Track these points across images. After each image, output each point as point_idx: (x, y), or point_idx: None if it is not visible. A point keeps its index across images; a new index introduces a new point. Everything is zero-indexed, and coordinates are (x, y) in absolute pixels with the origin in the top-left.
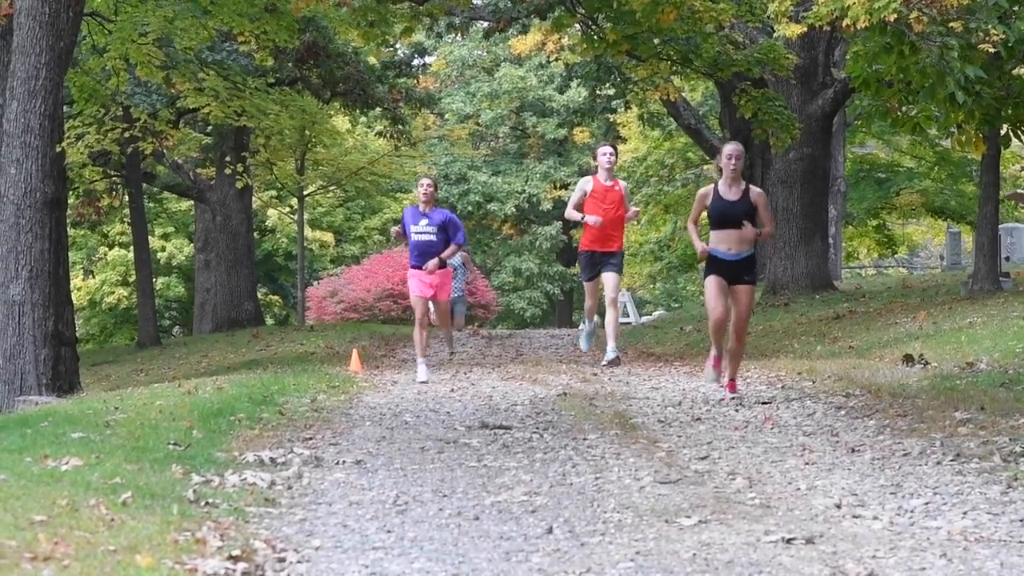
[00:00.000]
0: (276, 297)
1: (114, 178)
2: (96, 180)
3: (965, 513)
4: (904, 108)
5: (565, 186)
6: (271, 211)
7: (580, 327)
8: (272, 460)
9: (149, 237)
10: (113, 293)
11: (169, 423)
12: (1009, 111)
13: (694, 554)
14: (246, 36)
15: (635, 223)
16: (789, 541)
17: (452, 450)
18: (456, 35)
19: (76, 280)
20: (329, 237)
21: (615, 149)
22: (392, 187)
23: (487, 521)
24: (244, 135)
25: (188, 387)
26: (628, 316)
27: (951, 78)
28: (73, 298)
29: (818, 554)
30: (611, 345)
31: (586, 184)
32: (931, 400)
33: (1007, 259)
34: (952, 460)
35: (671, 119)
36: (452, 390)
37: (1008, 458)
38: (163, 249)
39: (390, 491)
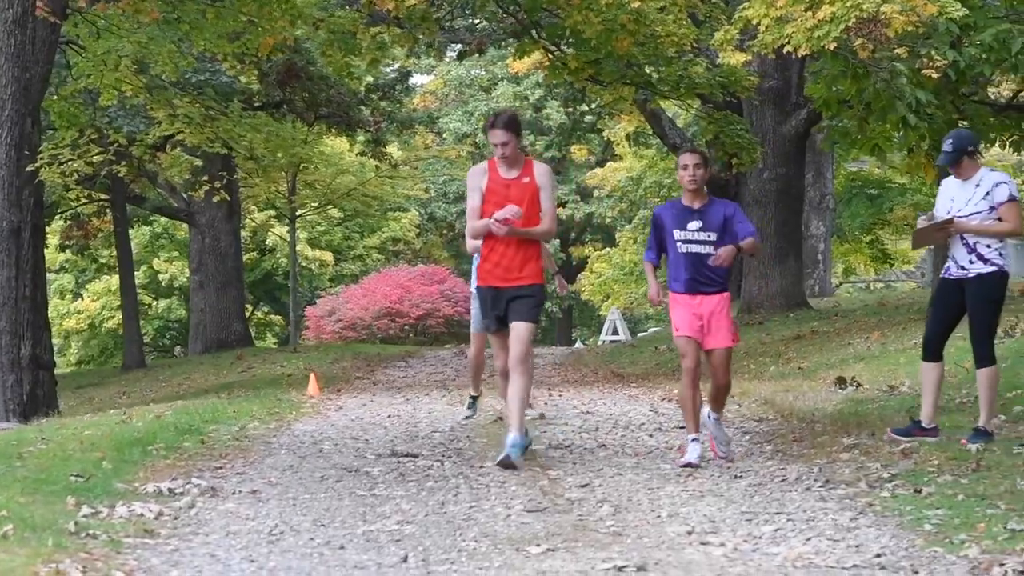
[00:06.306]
0: (278, 316)
1: (101, 201)
2: (82, 203)
3: (809, 539)
4: (863, 129)
5: (563, 204)
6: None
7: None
8: (170, 491)
9: (154, 260)
10: (113, 317)
11: (83, 454)
12: None
13: None
14: (230, 60)
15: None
16: (621, 569)
17: (350, 479)
18: (431, 57)
19: (70, 303)
20: (328, 256)
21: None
22: (387, 207)
23: (351, 550)
24: (231, 157)
25: (130, 414)
26: (619, 334)
27: (902, 102)
28: (73, 322)
29: None
30: (512, 436)
31: (480, 177)
32: (830, 425)
33: None
34: (821, 486)
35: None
36: (389, 416)
37: (874, 484)
38: (165, 271)
39: (272, 521)
